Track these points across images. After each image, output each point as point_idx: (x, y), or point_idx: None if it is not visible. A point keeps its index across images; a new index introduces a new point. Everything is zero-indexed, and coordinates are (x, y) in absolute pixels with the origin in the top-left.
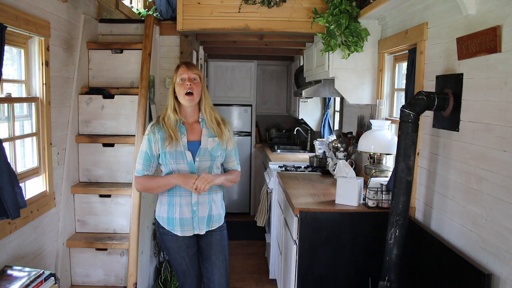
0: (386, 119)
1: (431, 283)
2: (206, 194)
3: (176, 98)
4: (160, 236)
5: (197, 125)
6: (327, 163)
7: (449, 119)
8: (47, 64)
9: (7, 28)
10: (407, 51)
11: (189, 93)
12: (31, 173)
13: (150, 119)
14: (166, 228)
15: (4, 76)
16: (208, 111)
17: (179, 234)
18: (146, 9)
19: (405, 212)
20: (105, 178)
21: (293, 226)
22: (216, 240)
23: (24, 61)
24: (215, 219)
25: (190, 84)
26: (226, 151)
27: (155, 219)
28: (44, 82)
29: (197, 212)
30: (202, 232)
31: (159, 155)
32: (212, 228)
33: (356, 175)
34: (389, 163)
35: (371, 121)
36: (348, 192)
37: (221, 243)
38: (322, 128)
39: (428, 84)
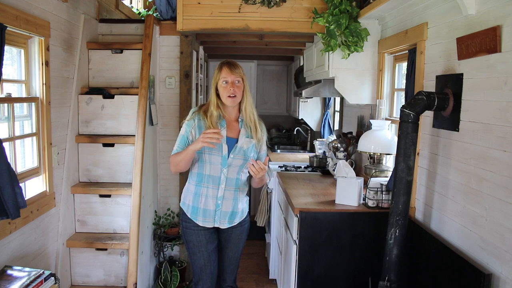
0: (386, 119)
1: (431, 283)
2: (232, 190)
3: (218, 95)
4: (182, 230)
5: (236, 123)
6: (327, 163)
7: (449, 119)
8: (47, 64)
9: (7, 28)
10: (407, 51)
11: (231, 96)
12: (31, 173)
13: (150, 119)
14: (189, 216)
15: (4, 76)
16: (248, 109)
17: (200, 223)
18: (146, 9)
19: (405, 212)
20: (105, 178)
21: (293, 226)
22: (235, 235)
23: (24, 61)
24: (238, 215)
25: (234, 89)
26: (258, 153)
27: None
28: (44, 82)
29: (221, 206)
30: (224, 227)
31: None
32: (234, 224)
33: (356, 175)
34: (389, 163)
35: (371, 121)
36: (348, 192)
37: (239, 237)
38: (322, 128)
39: (428, 84)
